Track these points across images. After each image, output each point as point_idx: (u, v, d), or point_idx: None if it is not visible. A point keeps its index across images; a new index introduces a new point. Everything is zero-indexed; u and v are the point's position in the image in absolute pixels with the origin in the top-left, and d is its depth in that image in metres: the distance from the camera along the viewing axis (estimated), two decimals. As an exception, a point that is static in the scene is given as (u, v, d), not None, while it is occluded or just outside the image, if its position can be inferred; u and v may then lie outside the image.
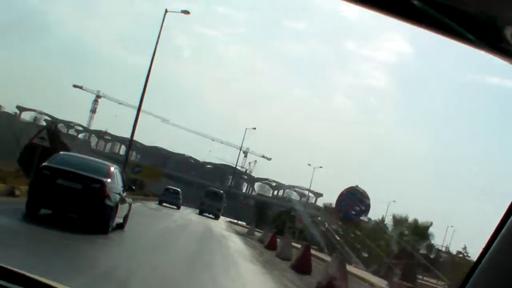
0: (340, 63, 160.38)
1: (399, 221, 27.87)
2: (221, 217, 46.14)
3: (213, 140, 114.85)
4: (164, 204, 39.95)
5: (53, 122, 23.51)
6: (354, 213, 13.49)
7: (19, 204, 11.86)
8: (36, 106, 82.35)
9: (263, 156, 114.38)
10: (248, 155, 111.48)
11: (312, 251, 22.56)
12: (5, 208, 11.96)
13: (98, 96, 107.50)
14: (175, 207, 40.43)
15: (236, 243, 21.94)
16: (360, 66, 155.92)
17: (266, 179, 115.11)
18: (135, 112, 34.56)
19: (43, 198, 10.95)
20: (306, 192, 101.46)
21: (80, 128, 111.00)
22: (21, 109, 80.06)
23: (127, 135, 36.43)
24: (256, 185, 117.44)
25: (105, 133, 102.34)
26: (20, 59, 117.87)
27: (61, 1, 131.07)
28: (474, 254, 31.20)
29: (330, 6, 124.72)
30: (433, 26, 1.01)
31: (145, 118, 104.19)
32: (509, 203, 1.26)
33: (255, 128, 65.17)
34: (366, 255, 29.70)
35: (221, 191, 49.45)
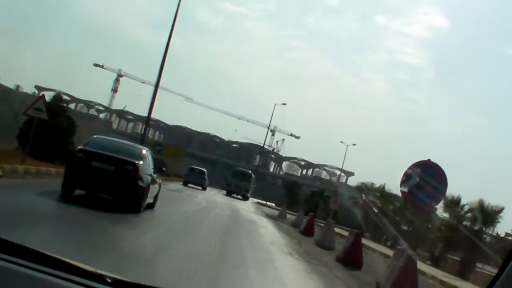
0: (372, 39, 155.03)
1: (451, 202, 24.69)
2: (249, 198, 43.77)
3: (239, 118, 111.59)
4: (189, 185, 38.34)
5: (58, 93, 20.55)
6: (426, 195, 10.20)
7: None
8: (55, 86, 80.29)
9: (291, 135, 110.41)
10: (276, 133, 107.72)
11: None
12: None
13: (119, 75, 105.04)
14: (200, 188, 38.84)
15: (268, 230, 18.97)
16: (393, 42, 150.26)
17: (295, 158, 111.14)
18: (159, 91, 31.66)
19: (79, 180, 11.34)
20: (337, 171, 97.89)
21: (101, 108, 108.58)
22: (40, 88, 77.67)
23: (151, 114, 33.57)
24: (284, 164, 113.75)
25: (124, 111, 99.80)
26: (39, 39, 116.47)
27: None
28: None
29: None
30: None
31: (168, 97, 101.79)
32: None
33: (285, 104, 60.89)
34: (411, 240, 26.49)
35: (249, 171, 47.13)
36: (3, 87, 35.99)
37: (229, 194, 41.79)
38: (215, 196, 34.40)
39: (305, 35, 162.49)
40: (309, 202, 44.22)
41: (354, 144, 66.85)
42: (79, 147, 11.79)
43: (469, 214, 23.26)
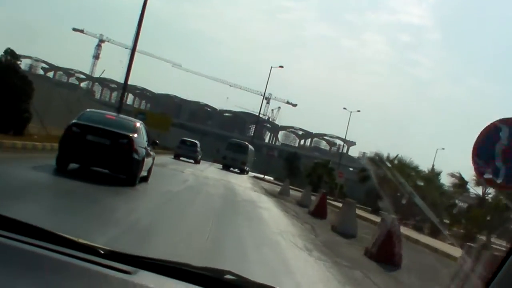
0: None
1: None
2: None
3: (231, 86, 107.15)
4: (180, 158, 35.79)
5: (11, 51, 16.85)
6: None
7: None
8: (32, 53, 75.30)
9: (287, 102, 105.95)
10: (271, 101, 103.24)
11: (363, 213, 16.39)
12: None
13: (101, 41, 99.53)
14: (193, 161, 36.22)
15: (272, 212, 15.58)
16: (396, 0, 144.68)
17: (291, 127, 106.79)
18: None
19: (74, 154, 11.48)
20: (337, 141, 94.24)
21: (82, 76, 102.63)
22: (14, 56, 73.10)
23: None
24: (280, 134, 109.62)
25: (108, 80, 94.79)
26: (13, 3, 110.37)
27: None
28: None
29: None
30: None
31: (155, 64, 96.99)
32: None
33: (282, 67, 56.29)
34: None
35: (246, 143, 43.83)
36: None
37: (225, 167, 39.29)
38: (206, 170, 31.02)
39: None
40: (312, 175, 40.81)
41: (359, 111, 63.06)
42: (73, 121, 11.82)
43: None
